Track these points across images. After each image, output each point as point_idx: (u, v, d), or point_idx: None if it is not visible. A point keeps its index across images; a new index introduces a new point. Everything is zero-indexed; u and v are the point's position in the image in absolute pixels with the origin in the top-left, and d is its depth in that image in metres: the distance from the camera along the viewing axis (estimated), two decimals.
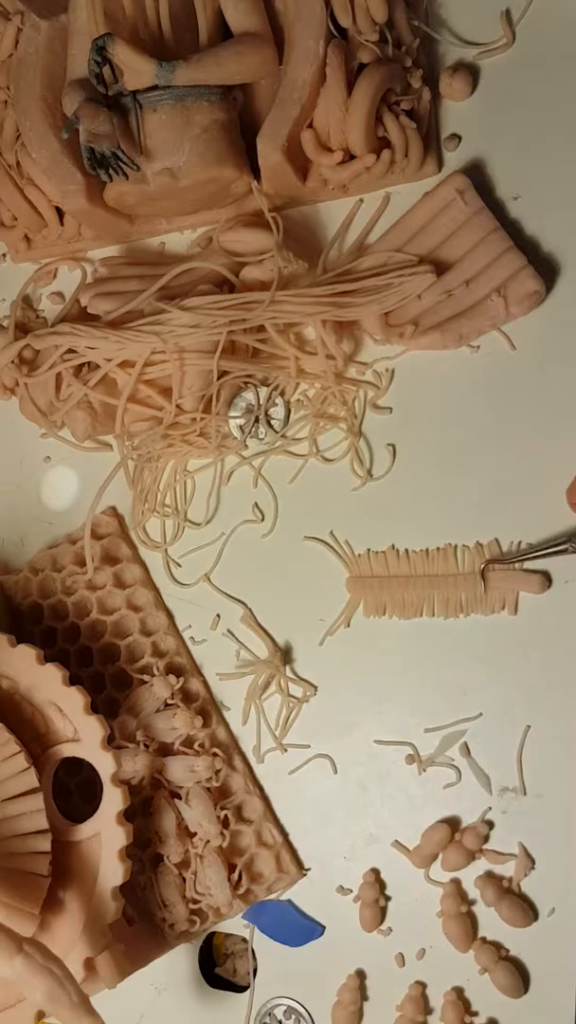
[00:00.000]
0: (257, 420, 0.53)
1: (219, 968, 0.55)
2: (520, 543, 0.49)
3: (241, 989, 0.53)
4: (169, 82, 0.47)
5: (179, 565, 0.55)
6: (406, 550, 0.51)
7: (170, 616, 0.55)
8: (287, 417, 0.53)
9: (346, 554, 0.52)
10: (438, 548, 0.51)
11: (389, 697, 0.51)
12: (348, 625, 0.52)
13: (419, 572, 0.51)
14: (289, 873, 0.51)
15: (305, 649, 0.52)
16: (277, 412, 0.53)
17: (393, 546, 0.51)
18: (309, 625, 0.52)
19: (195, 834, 0.51)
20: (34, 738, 0.49)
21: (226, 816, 0.51)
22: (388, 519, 0.52)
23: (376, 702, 0.51)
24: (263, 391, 0.53)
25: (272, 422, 0.53)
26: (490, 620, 0.50)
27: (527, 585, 0.49)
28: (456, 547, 0.50)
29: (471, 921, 0.49)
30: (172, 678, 0.52)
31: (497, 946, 0.48)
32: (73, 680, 0.49)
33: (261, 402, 0.52)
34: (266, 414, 0.53)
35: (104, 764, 0.47)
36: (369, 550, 0.52)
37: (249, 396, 0.53)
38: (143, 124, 0.48)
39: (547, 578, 0.49)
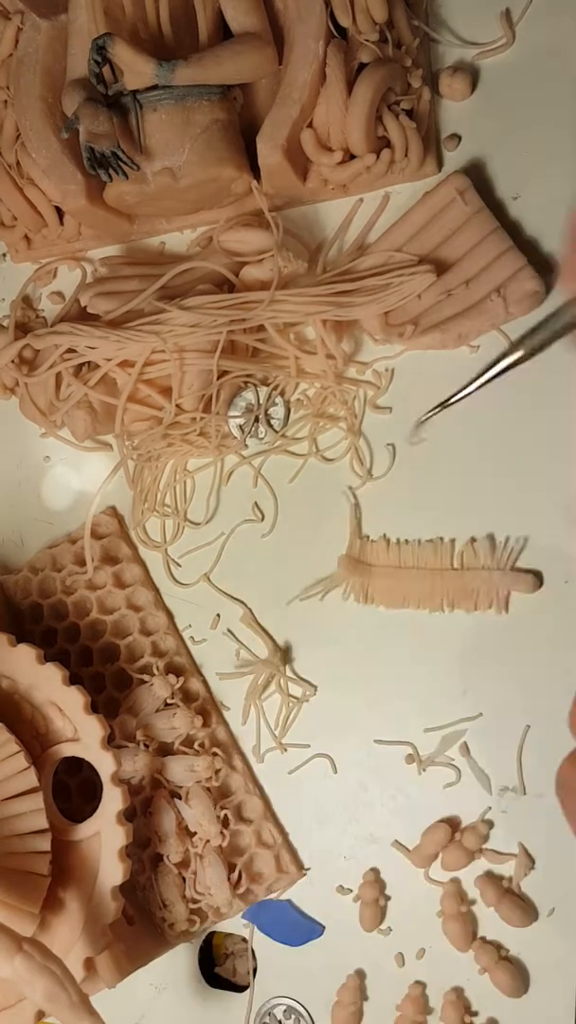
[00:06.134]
0: (257, 420, 0.53)
1: (219, 968, 0.55)
2: (518, 541, 0.50)
3: (241, 989, 0.53)
4: (169, 82, 0.47)
5: (179, 565, 0.55)
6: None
7: (170, 616, 0.55)
8: (287, 417, 0.53)
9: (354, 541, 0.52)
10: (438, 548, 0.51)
11: (389, 697, 0.51)
12: (322, 599, 0.52)
13: (419, 570, 0.51)
14: (289, 873, 0.51)
15: (305, 649, 0.52)
16: (277, 412, 0.53)
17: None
18: (309, 625, 0.52)
19: (195, 834, 0.51)
20: (34, 738, 0.49)
21: (226, 816, 0.51)
22: (388, 519, 0.52)
23: (376, 702, 0.51)
24: (263, 391, 0.53)
25: (272, 422, 0.53)
26: (490, 619, 0.49)
27: (518, 585, 0.49)
28: (456, 546, 0.50)
29: (471, 921, 0.49)
30: (172, 678, 0.52)
31: (497, 946, 0.48)
32: (73, 680, 0.49)
33: (261, 402, 0.52)
34: (266, 414, 0.53)
35: (104, 764, 0.47)
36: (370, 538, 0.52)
37: (249, 396, 0.53)
38: (143, 124, 0.49)
39: (538, 578, 0.49)
